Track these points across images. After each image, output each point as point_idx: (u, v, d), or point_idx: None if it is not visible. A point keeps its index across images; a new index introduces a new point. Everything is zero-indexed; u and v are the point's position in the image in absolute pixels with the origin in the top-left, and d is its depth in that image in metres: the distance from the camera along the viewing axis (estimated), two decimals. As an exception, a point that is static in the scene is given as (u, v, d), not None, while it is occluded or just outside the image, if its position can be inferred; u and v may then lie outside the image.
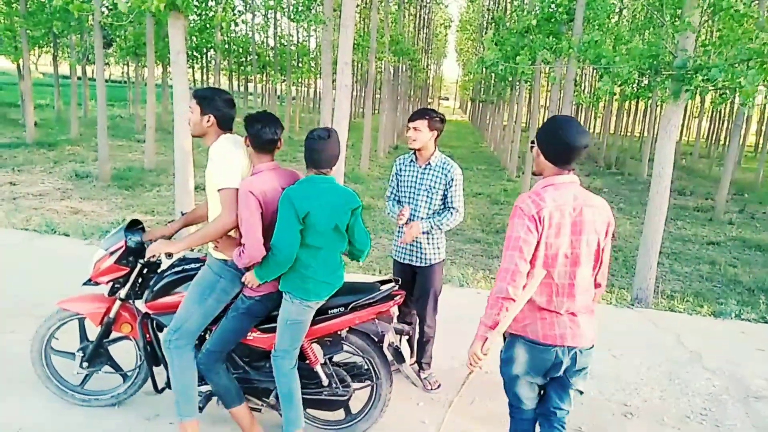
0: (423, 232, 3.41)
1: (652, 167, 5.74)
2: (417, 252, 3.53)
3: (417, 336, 3.64)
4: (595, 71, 20.01)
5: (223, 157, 2.67)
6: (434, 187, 3.45)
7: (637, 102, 22.02)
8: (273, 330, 2.81)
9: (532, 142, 2.40)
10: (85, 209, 8.35)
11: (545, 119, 2.45)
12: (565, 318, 2.32)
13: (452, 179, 3.44)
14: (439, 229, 3.43)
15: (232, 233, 2.75)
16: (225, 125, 2.79)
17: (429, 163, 3.47)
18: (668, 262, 7.91)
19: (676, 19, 5.58)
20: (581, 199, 2.30)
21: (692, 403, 3.76)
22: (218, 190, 2.64)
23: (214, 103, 2.73)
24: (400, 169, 3.62)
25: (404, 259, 3.59)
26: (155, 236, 3.03)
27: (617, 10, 14.73)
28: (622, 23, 16.18)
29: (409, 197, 3.53)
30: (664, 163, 5.52)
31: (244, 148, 2.79)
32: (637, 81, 11.46)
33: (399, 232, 3.58)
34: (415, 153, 3.53)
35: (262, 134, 2.67)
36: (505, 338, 2.49)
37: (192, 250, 2.98)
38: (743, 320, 5.35)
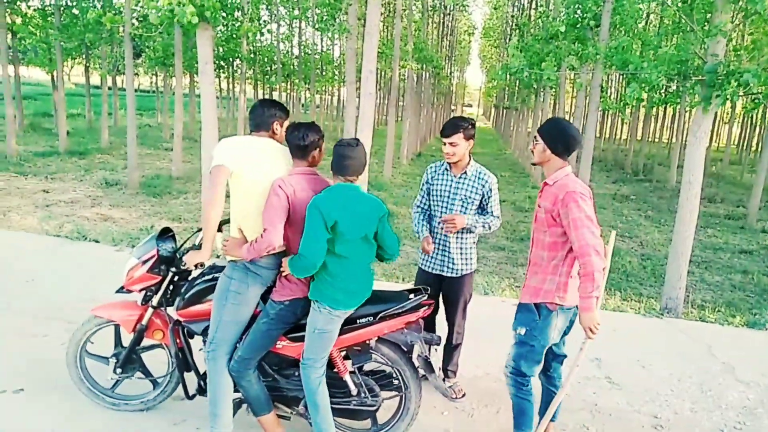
0: (462, 234, 3.41)
1: (681, 174, 5.63)
2: (448, 262, 3.47)
3: (444, 343, 3.60)
4: (621, 77, 19.74)
5: (218, 144, 2.74)
6: (470, 197, 3.40)
7: (665, 108, 21.64)
8: (302, 339, 2.81)
9: (536, 138, 2.82)
10: (114, 216, 8.53)
11: (559, 124, 2.82)
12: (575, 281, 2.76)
13: (490, 189, 3.41)
14: (482, 227, 3.39)
15: (236, 234, 2.77)
16: (251, 127, 2.90)
17: (465, 173, 3.42)
18: (698, 271, 7.73)
19: (706, 23, 5.48)
20: None
21: (725, 417, 3.65)
22: (209, 173, 2.69)
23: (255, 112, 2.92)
24: (432, 178, 3.53)
25: (434, 269, 3.53)
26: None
27: (644, 15, 14.53)
28: (650, 28, 15.95)
29: (443, 207, 3.46)
30: (693, 170, 5.40)
31: (263, 145, 2.82)
32: (665, 87, 11.27)
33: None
34: (449, 162, 3.47)
35: (291, 139, 2.76)
36: (533, 309, 2.81)
37: (218, 256, 3.02)
38: (778, 331, 5.19)
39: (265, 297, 2.87)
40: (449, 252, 3.45)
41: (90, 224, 7.74)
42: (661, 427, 3.49)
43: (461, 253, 3.46)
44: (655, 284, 6.92)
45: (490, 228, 3.41)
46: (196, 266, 2.86)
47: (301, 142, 2.74)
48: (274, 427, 2.92)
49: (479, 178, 3.40)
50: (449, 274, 3.48)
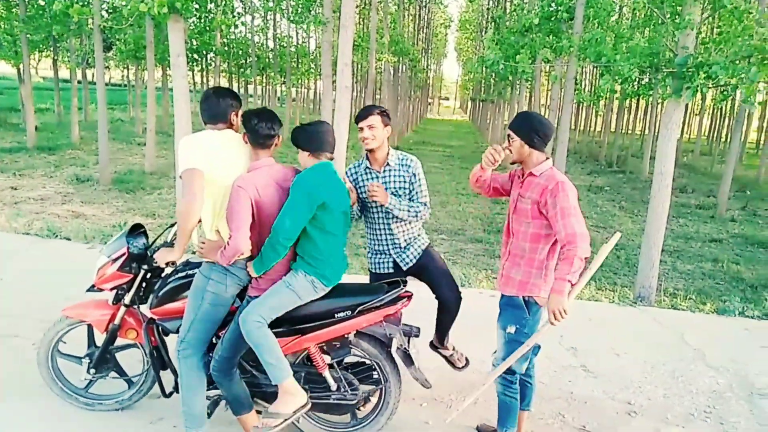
0: (401, 225, 3.16)
1: (654, 165, 5.73)
2: (400, 255, 3.22)
3: (437, 318, 3.38)
4: (595, 69, 19.99)
5: (188, 143, 2.64)
6: (402, 188, 3.13)
7: (638, 100, 22.01)
8: (282, 334, 2.78)
9: (509, 136, 2.77)
10: (86, 213, 8.35)
11: (530, 117, 2.79)
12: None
13: (414, 174, 3.13)
14: (407, 213, 3.07)
15: (213, 236, 2.72)
16: (204, 118, 2.79)
17: (388, 165, 3.12)
18: (671, 260, 7.90)
19: (677, 16, 5.57)
20: None
21: (696, 401, 3.75)
22: (180, 176, 2.59)
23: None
24: (355, 180, 3.19)
25: (387, 268, 3.25)
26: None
27: (617, 8, 14.72)
28: (623, 21, 16.17)
29: (376, 209, 3.15)
30: (665, 161, 5.50)
31: (226, 141, 2.74)
32: (637, 79, 11.45)
33: (375, 251, 3.28)
34: (368, 158, 3.15)
35: (259, 129, 2.66)
36: (521, 305, 2.79)
37: (193, 253, 2.96)
38: (747, 317, 5.34)
39: (241, 294, 2.84)
40: (399, 245, 3.21)
41: (61, 221, 7.57)
42: (635, 413, 3.56)
43: (407, 241, 3.21)
44: (628, 273, 7.05)
45: (417, 215, 3.10)
46: (167, 264, 2.80)
47: (271, 131, 2.68)
48: (254, 422, 2.90)
49: (402, 165, 3.13)
50: (409, 262, 3.24)
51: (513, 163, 2.82)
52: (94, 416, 3.18)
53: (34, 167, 11.64)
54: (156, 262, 2.80)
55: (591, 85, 25.03)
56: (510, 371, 2.83)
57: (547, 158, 2.77)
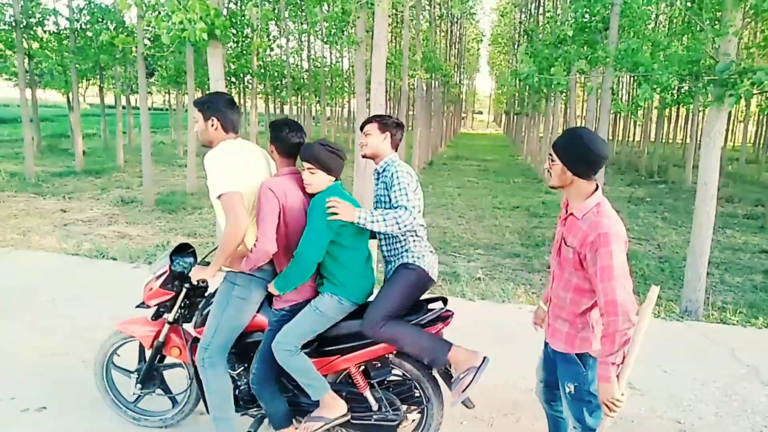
0: (383, 241, 2.89)
1: (697, 174, 5.57)
2: (389, 273, 2.95)
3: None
4: (632, 79, 19.62)
5: (218, 163, 2.62)
6: (381, 196, 2.90)
7: (678, 108, 21.46)
8: (321, 354, 2.81)
9: (551, 156, 2.32)
10: (131, 233, 8.63)
11: (580, 137, 2.26)
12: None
13: (391, 175, 2.79)
14: (378, 222, 2.65)
15: (240, 248, 2.75)
16: (229, 127, 2.78)
17: (376, 170, 2.97)
18: (718, 273, 7.61)
19: (716, 22, 5.44)
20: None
21: (752, 421, 3.58)
22: (218, 197, 2.58)
23: (215, 105, 2.76)
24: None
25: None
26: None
27: (653, 16, 14.47)
28: (659, 29, 15.87)
29: None
30: (709, 170, 5.34)
31: (246, 152, 2.78)
32: (677, 87, 11.18)
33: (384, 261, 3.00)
34: (363, 156, 3.07)
35: (290, 138, 2.72)
36: (576, 361, 2.40)
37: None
38: (803, 332, 5.09)
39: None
40: (385, 258, 2.98)
41: (107, 242, 7.84)
42: (686, 433, 3.42)
43: (390, 257, 2.93)
44: (674, 287, 6.83)
45: (397, 224, 2.64)
46: (199, 282, 2.84)
47: (301, 140, 2.74)
48: None
49: (385, 169, 2.88)
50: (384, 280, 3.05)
51: (552, 187, 2.38)
52: (136, 431, 3.26)
53: (82, 190, 12.13)
54: (195, 280, 2.85)
55: (628, 94, 24.54)
56: (589, 429, 2.41)
57: (591, 190, 2.29)
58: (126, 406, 3.30)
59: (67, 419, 3.35)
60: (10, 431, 3.23)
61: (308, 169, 2.68)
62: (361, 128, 2.98)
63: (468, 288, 5.96)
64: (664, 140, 24.01)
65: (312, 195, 2.73)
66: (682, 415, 3.63)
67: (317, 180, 2.68)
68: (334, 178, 2.72)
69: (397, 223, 2.64)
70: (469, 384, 2.70)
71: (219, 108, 2.75)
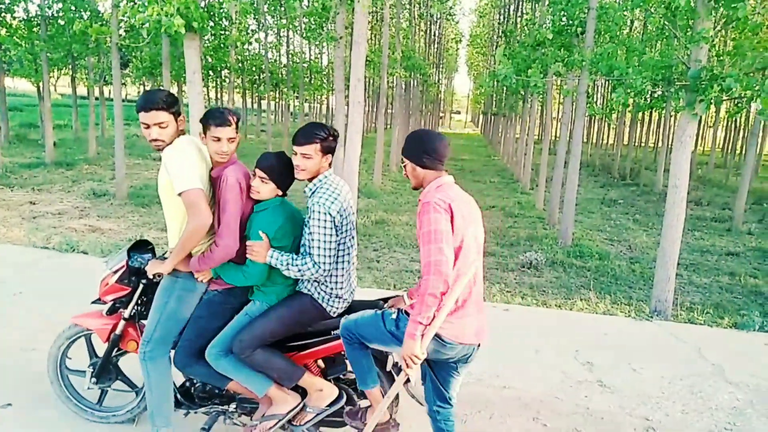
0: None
1: (668, 178, 5.70)
2: None
3: None
4: (607, 82, 19.97)
5: (177, 159, 2.60)
6: (307, 224, 2.70)
7: (651, 113, 21.90)
8: (290, 350, 2.81)
9: (402, 161, 2.55)
10: (102, 227, 8.46)
11: (416, 136, 2.56)
12: (474, 313, 2.47)
13: (311, 210, 2.62)
14: (287, 268, 2.63)
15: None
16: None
17: (310, 188, 2.74)
18: (686, 274, 7.81)
19: (689, 29, 5.57)
20: (466, 196, 2.54)
21: (716, 418, 3.68)
22: (179, 194, 2.56)
23: (179, 104, 2.77)
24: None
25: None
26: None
27: (629, 21, 14.73)
28: (634, 35, 16.17)
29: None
30: (679, 174, 5.48)
31: (197, 147, 2.76)
32: (650, 92, 11.42)
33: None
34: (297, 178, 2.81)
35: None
36: (402, 316, 2.53)
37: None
38: (766, 332, 5.25)
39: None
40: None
41: (78, 235, 7.67)
42: (653, 430, 3.51)
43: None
44: (644, 287, 6.98)
45: (290, 270, 2.63)
46: (155, 276, 2.83)
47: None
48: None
49: (314, 192, 2.69)
50: None
51: (415, 188, 2.58)
52: (107, 427, 3.21)
53: (52, 182, 11.83)
54: (151, 274, 2.82)
55: (603, 98, 24.96)
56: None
57: (438, 177, 2.50)
58: (91, 408, 3.26)
59: (34, 415, 3.28)
60: (-26, 428, 3.15)
61: (261, 177, 2.69)
62: (296, 143, 2.64)
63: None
64: (636, 144, 24.48)
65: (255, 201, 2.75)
66: (650, 412, 3.72)
67: (265, 189, 2.71)
68: (281, 192, 2.76)
69: (301, 273, 2.64)
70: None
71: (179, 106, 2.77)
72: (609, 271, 7.58)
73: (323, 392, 2.84)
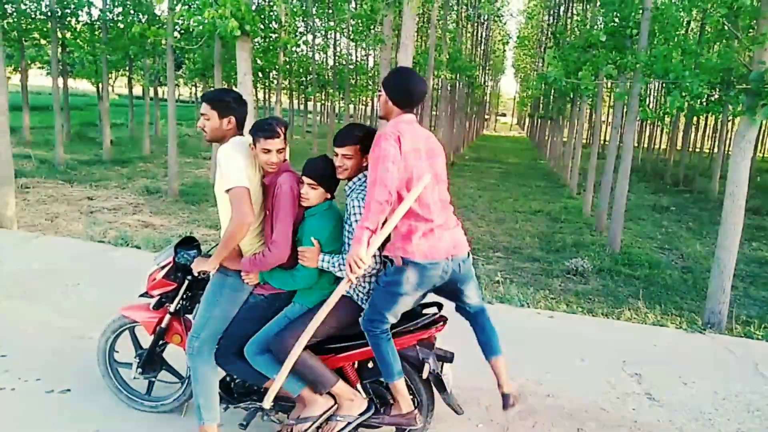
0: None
1: (724, 185, 5.47)
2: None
3: None
4: (660, 85, 19.30)
5: (233, 157, 2.66)
6: (347, 222, 2.79)
7: (706, 117, 21.05)
8: (317, 352, 2.82)
9: (379, 90, 2.72)
10: (155, 223, 8.77)
11: (402, 73, 2.73)
12: (443, 232, 2.64)
13: (348, 207, 2.74)
14: (337, 270, 2.72)
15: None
16: (241, 125, 2.85)
17: (350, 186, 2.81)
18: (743, 286, 7.47)
19: (751, 30, 5.33)
20: (426, 132, 2.74)
21: (773, 438, 3.51)
22: (226, 191, 2.62)
23: (231, 104, 2.80)
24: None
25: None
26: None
27: (685, 22, 14.22)
28: (690, 36, 15.59)
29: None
30: (738, 181, 5.25)
31: (248, 151, 2.79)
32: (707, 95, 10.97)
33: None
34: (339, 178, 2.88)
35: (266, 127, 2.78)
36: (388, 265, 2.67)
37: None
38: (830, 350, 4.96)
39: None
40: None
41: (132, 231, 7.98)
42: (705, 447, 3.37)
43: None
44: (696, 298, 6.72)
45: (342, 270, 2.67)
46: (200, 274, 2.89)
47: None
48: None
49: (356, 187, 2.76)
50: None
51: (380, 118, 2.78)
52: (157, 416, 3.32)
53: (108, 179, 12.35)
54: (196, 272, 2.89)
55: (656, 101, 24.15)
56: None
57: (395, 117, 2.65)
58: (141, 398, 3.37)
59: (91, 402, 3.43)
60: (36, 412, 3.32)
61: (309, 184, 2.73)
62: (337, 143, 2.72)
63: (487, 291, 5.94)
64: (691, 149, 23.58)
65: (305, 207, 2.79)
66: (702, 428, 3.57)
67: (314, 195, 2.75)
68: (329, 195, 2.80)
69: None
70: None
71: (234, 106, 2.81)
72: (659, 281, 7.33)
73: (354, 402, 2.85)
